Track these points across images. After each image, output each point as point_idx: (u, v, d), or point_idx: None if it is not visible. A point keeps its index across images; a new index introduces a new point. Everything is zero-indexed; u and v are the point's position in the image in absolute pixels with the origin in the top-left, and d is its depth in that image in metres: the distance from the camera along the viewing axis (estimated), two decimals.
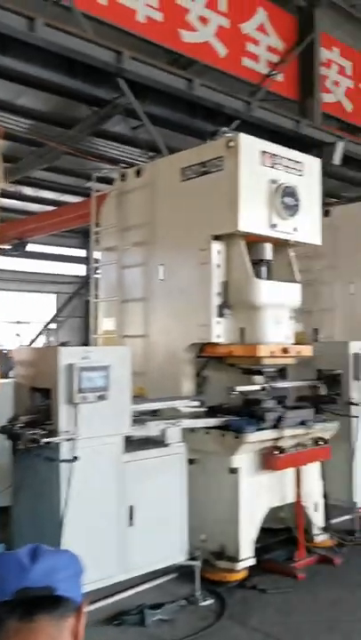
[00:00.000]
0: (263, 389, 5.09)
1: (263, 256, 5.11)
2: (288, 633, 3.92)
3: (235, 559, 4.59)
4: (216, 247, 4.92)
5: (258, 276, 5.02)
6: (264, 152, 4.86)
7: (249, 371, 5.11)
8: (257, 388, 5.08)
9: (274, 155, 4.92)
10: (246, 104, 8.51)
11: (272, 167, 4.90)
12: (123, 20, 7.64)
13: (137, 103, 7.19)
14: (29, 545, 1.27)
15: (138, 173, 5.71)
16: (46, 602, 1.19)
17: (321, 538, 5.28)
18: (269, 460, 4.75)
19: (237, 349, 4.92)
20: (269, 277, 5.15)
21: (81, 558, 1.30)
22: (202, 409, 4.92)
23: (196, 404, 4.88)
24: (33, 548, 1.26)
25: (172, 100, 7.94)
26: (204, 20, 8.65)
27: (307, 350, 5.21)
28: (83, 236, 14.89)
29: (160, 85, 7.41)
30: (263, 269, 5.13)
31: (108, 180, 6.48)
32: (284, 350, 4.95)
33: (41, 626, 1.17)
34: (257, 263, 5.08)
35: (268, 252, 5.12)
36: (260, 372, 5.10)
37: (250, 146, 4.81)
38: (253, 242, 5.04)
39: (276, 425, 4.79)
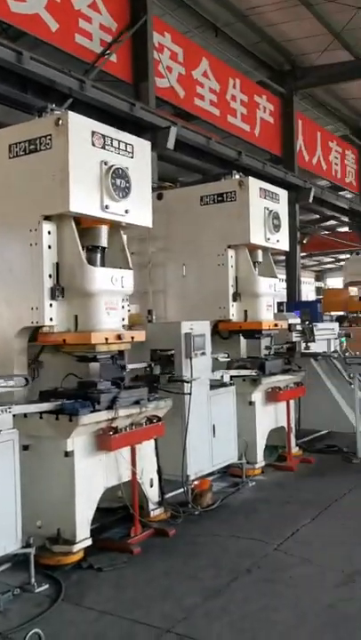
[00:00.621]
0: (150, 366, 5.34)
1: (98, 242, 5.09)
2: (123, 607, 4.01)
3: (71, 542, 4.58)
4: (47, 228, 4.80)
5: (92, 262, 4.99)
6: (94, 132, 4.82)
7: (84, 358, 5.09)
8: (143, 365, 5.33)
9: (104, 136, 4.90)
10: (80, 82, 8.38)
11: (103, 148, 4.87)
12: None
13: None
14: None
15: None
16: None
17: (156, 512, 5.46)
18: (104, 440, 4.79)
19: (71, 337, 4.87)
20: (103, 263, 5.15)
21: None
22: (18, 388, 4.69)
23: (12, 383, 4.60)
24: None
25: (1, 72, 7.57)
26: None
27: (140, 336, 5.29)
28: None
29: None
30: (97, 256, 5.11)
31: None
32: (118, 337, 4.99)
33: None
34: (91, 249, 5.06)
35: (102, 237, 5.11)
36: (95, 359, 5.10)
37: (80, 125, 4.73)
38: (87, 227, 5.00)
39: (111, 406, 4.84)
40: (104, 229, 5.12)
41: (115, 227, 5.23)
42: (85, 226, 5.00)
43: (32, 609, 3.95)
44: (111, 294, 5.01)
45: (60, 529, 4.62)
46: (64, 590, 4.21)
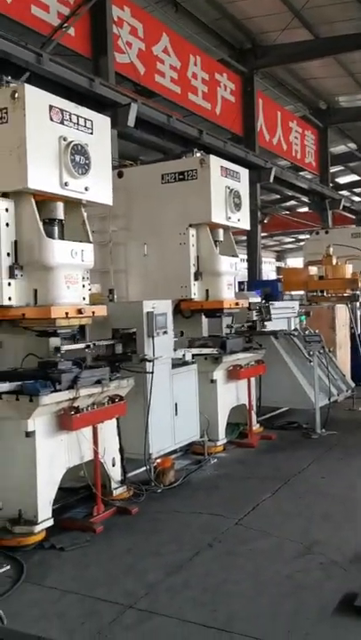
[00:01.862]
0: (88, 347, 5.20)
1: (55, 215, 5.01)
2: (85, 585, 4.02)
3: (33, 522, 4.56)
4: (4, 205, 4.69)
5: (50, 235, 4.91)
6: (52, 107, 4.71)
7: (44, 333, 5.03)
8: (82, 346, 5.17)
9: (63, 110, 4.80)
10: (37, 56, 8.16)
11: (61, 123, 4.77)
12: None
13: None
14: None
15: None
16: None
17: (119, 491, 5.48)
18: (65, 420, 4.76)
19: (30, 312, 4.81)
20: (62, 237, 5.07)
21: None
22: None
23: None
24: None
25: None
26: None
27: (101, 310, 5.27)
28: None
29: None
30: (55, 229, 5.03)
31: None
32: (79, 311, 4.94)
33: None
34: (49, 222, 4.97)
35: (59, 210, 5.03)
36: (55, 334, 5.04)
37: (37, 98, 4.62)
38: (44, 200, 4.90)
39: (72, 386, 4.80)
40: (60, 204, 5.03)
41: (74, 202, 5.14)
42: (41, 199, 4.89)
43: None
44: (71, 268, 4.94)
45: (21, 510, 4.59)
46: (25, 571, 4.19)
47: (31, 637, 1.92)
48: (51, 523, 4.68)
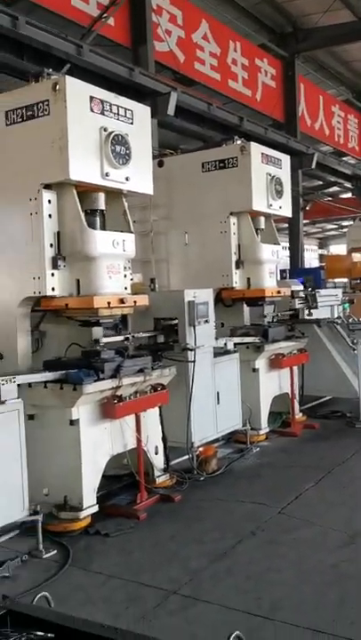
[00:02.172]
0: (126, 339, 5.20)
1: (97, 206, 5.04)
2: (130, 571, 4.08)
3: (78, 508, 4.66)
4: (47, 196, 4.75)
5: (91, 226, 4.95)
6: (93, 98, 4.73)
7: (87, 322, 5.09)
8: (121, 338, 5.17)
9: (103, 101, 4.81)
10: (77, 47, 8.21)
11: (102, 114, 4.79)
12: None
13: None
14: None
15: None
16: None
17: (162, 478, 5.53)
18: (109, 408, 4.82)
19: (73, 302, 4.87)
20: (103, 227, 5.11)
21: None
22: None
23: None
24: None
25: None
26: None
27: (143, 300, 5.29)
28: None
29: None
30: (97, 219, 5.07)
31: None
32: (121, 301, 4.98)
33: None
34: (90, 213, 5.01)
35: (101, 201, 5.06)
36: (98, 324, 5.10)
37: (78, 90, 4.64)
38: (86, 191, 4.94)
39: (115, 374, 4.85)
40: (101, 194, 5.06)
41: (115, 192, 5.17)
42: (83, 190, 4.93)
43: (40, 574, 4.03)
44: (113, 258, 4.98)
45: (66, 496, 4.69)
46: (72, 556, 4.28)
47: (94, 623, 1.96)
48: (95, 509, 4.76)
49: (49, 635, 1.95)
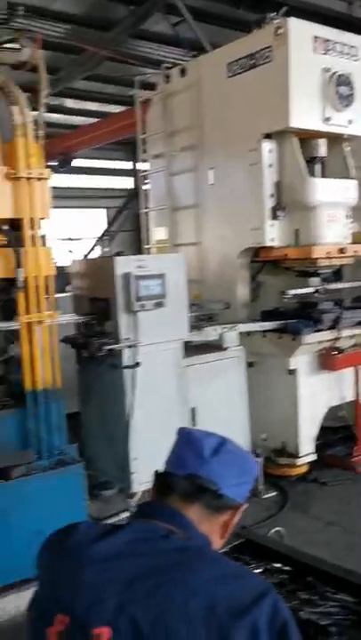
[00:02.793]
0: (317, 292, 4.98)
1: (317, 153, 4.89)
2: (347, 520, 4.10)
3: (295, 455, 4.75)
4: (267, 146, 4.73)
5: (312, 174, 4.84)
6: (316, 37, 4.53)
7: (305, 273, 5.05)
8: (311, 290, 4.94)
9: (327, 40, 4.59)
10: None
11: (325, 54, 4.59)
12: None
13: None
14: (217, 437, 1.45)
15: (182, 73, 5.46)
16: (208, 494, 1.37)
17: None
18: (327, 360, 4.78)
19: (292, 252, 4.84)
20: (324, 175, 4.96)
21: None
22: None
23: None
24: (219, 442, 1.44)
25: None
26: None
27: None
28: (129, 148, 14.60)
29: None
30: (317, 167, 4.93)
31: (152, 87, 6.24)
32: (341, 251, 4.83)
33: (194, 509, 1.37)
34: (310, 161, 4.88)
35: (322, 148, 4.90)
36: (316, 274, 5.03)
37: (301, 31, 4.48)
38: (306, 138, 4.82)
39: (334, 326, 4.78)
40: (322, 141, 4.88)
41: (336, 138, 4.96)
42: (303, 137, 4.80)
43: (261, 512, 4.23)
44: (333, 206, 4.81)
45: (284, 442, 4.79)
46: (290, 499, 4.40)
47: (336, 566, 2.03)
48: (313, 457, 4.81)
49: (285, 568, 2.05)
